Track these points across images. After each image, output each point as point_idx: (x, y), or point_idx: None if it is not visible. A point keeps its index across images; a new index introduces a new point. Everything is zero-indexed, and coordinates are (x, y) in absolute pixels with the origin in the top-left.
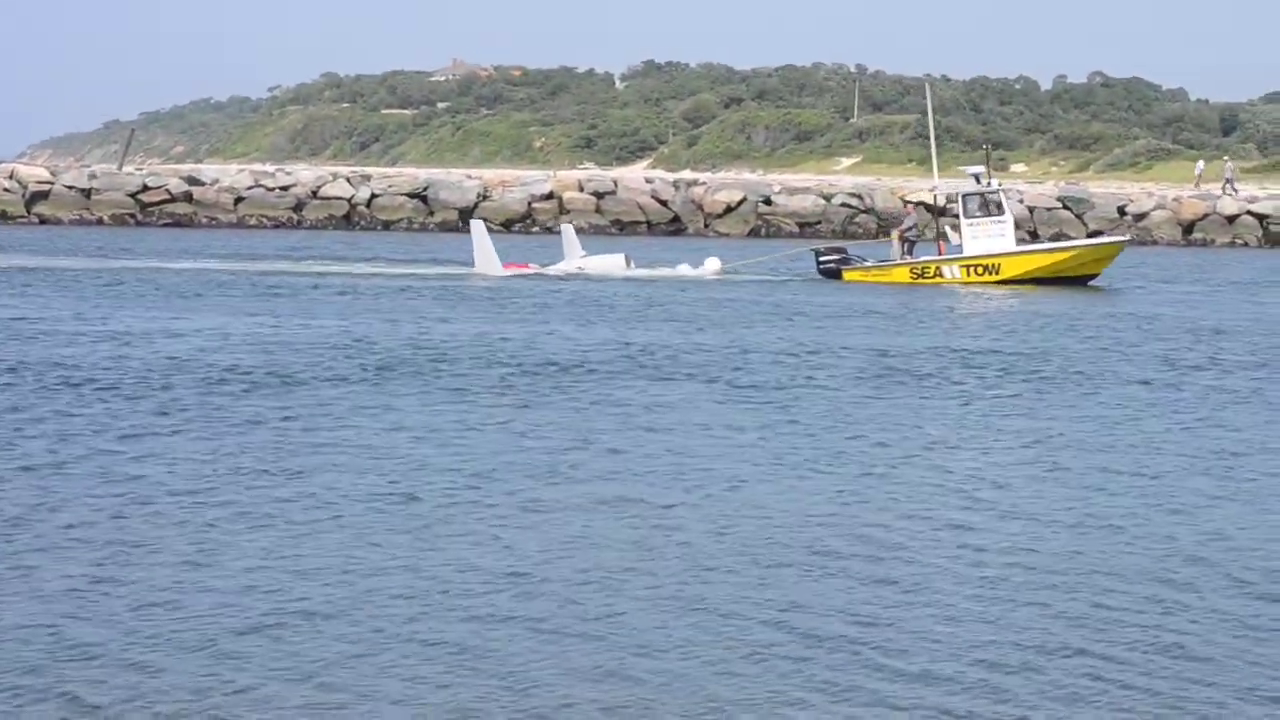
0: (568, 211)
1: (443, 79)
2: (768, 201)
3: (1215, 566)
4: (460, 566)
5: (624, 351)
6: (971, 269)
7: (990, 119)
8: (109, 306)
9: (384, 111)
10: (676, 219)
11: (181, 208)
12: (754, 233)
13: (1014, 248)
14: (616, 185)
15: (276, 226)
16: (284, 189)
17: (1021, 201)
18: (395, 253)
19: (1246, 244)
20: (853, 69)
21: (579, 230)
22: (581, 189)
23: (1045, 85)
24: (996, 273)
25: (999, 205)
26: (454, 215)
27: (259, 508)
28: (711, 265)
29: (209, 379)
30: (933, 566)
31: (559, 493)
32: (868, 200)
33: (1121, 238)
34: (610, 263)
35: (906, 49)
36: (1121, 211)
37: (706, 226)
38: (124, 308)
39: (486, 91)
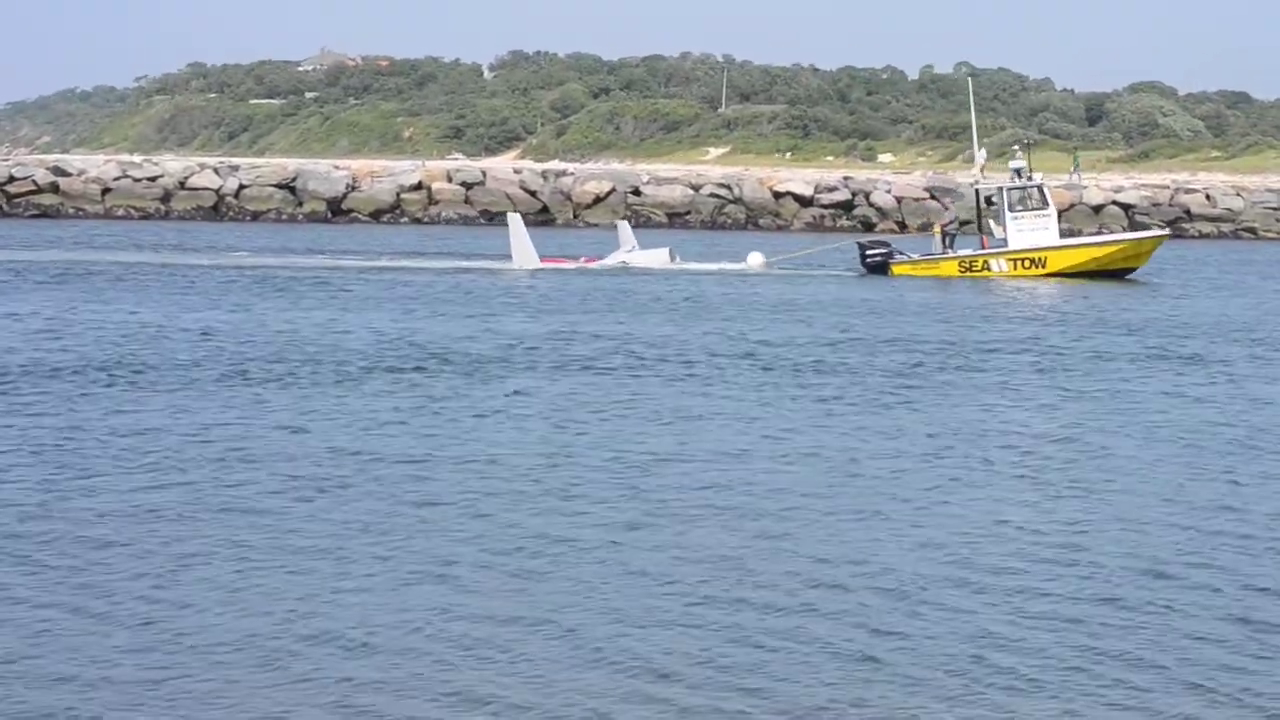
0: (437, 202)
1: (310, 69)
2: (636, 192)
3: None
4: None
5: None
6: (1019, 262)
7: (858, 109)
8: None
9: (252, 101)
10: (545, 209)
11: (48, 198)
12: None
13: (1059, 241)
14: (485, 175)
15: (144, 217)
16: (151, 179)
17: (889, 192)
18: (438, 247)
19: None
20: (720, 59)
21: (447, 221)
22: (450, 179)
23: (912, 75)
24: (1043, 266)
25: (1042, 198)
26: (323, 206)
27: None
28: (755, 260)
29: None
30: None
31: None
32: (736, 190)
33: (1162, 231)
34: (655, 257)
35: (773, 39)
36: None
37: (575, 217)
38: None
39: (354, 82)
